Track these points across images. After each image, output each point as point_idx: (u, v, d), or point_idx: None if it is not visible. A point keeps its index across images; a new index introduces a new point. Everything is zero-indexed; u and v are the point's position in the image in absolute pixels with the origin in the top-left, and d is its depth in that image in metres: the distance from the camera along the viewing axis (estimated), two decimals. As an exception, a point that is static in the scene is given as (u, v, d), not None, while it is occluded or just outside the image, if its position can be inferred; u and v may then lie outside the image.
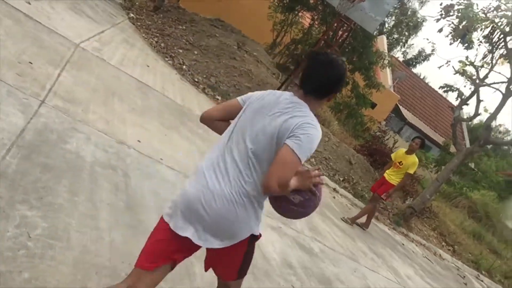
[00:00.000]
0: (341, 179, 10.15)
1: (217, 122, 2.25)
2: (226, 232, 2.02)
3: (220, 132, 2.21)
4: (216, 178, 2.01)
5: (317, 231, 6.35)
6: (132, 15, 11.47)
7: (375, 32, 19.16)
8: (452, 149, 15.14)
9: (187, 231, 2.01)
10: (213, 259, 2.20)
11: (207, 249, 2.15)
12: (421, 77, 37.40)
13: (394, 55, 28.86)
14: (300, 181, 2.00)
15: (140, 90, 6.54)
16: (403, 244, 9.41)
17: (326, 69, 2.06)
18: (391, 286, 6.30)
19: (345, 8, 9.33)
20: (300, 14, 16.45)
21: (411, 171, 7.70)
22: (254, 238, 2.12)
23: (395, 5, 15.86)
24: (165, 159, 4.92)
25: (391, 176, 7.83)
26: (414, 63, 41.10)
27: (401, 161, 7.72)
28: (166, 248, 2.05)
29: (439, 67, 12.38)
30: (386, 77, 24.61)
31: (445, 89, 12.64)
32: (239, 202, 1.99)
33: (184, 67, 9.90)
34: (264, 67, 12.23)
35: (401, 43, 37.67)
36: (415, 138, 7.99)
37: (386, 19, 18.33)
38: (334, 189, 9.38)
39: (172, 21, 12.16)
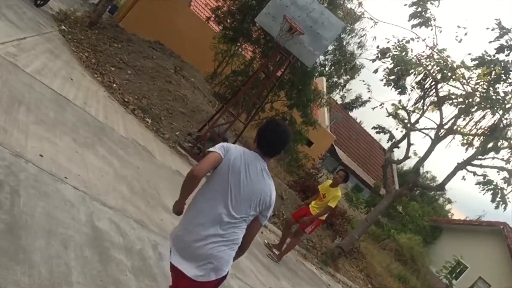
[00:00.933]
0: (271, 214, 9.83)
1: None
2: (218, 271, 2.64)
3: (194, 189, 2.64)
4: (214, 226, 2.56)
5: (239, 268, 5.92)
6: (64, 27, 10.80)
7: (316, 74, 19.68)
8: (382, 191, 15.49)
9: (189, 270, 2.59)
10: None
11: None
12: (358, 121, 38.86)
13: (333, 97, 29.68)
14: None
15: (55, 103, 5.93)
16: (329, 285, 9.17)
17: (282, 139, 2.72)
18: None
19: (284, 40, 9.28)
20: (243, 46, 16.44)
21: (332, 205, 7.58)
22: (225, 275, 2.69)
23: (334, 44, 16.17)
24: (70, 178, 4.35)
25: (314, 208, 7.67)
26: (351, 107, 42.62)
27: (324, 194, 7.58)
28: None
29: (373, 108, 12.65)
30: (323, 117, 25.13)
31: (378, 130, 12.86)
32: (232, 248, 2.63)
33: (114, 85, 9.34)
34: (201, 94, 11.91)
35: (339, 87, 38.94)
36: (339, 171, 7.92)
37: (325, 59, 18.77)
38: (270, 230, 9.04)
39: (108, 38, 11.60)
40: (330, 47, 17.38)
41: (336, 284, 9.72)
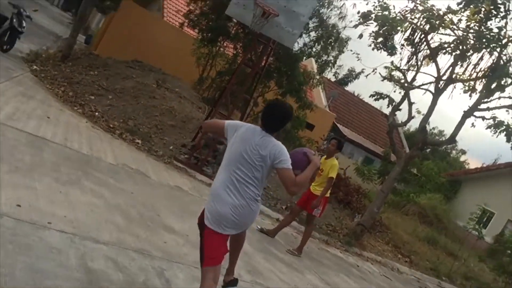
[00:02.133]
0: (284, 207, 9.55)
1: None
2: (246, 225, 3.42)
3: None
4: (230, 195, 3.20)
5: (258, 272, 5.64)
6: (35, 67, 10.53)
7: (304, 56, 19.26)
8: (393, 158, 15.11)
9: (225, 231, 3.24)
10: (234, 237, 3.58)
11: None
12: (355, 94, 38.37)
13: (325, 76, 29.15)
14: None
15: (31, 145, 5.67)
16: (358, 266, 8.87)
17: (277, 115, 3.41)
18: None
19: (259, 26, 8.93)
20: (223, 45, 16.08)
21: (333, 175, 7.15)
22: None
23: (314, 21, 15.77)
24: (55, 222, 4.08)
25: (316, 187, 7.31)
26: (346, 82, 42.10)
27: (322, 168, 7.21)
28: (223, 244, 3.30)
29: (366, 76, 12.32)
30: (319, 97, 24.78)
31: (376, 97, 12.44)
32: (250, 205, 3.23)
33: (96, 113, 9.07)
34: (188, 102, 11.62)
35: (330, 64, 38.55)
36: (331, 140, 7.54)
37: (310, 40, 18.28)
38: (278, 219, 8.74)
39: (83, 68, 11.34)
40: (311, 25, 16.95)
41: (364, 263, 9.42)
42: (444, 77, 10.98)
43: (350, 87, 43.38)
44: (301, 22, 9.52)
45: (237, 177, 3.22)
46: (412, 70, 11.81)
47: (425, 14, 10.63)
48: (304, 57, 20.06)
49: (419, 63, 11.64)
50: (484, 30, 10.03)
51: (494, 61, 10.23)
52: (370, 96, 12.57)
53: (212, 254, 3.24)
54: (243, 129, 3.38)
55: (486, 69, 10.42)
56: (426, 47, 11.21)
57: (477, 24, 10.21)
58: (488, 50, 10.06)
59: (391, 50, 11.42)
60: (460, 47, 10.51)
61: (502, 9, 9.87)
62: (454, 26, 10.62)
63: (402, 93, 11.82)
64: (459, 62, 10.77)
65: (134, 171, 7.00)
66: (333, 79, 35.91)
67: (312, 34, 16.31)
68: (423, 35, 11.03)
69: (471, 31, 10.38)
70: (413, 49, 11.47)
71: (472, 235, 13.75)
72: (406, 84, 11.69)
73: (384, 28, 10.88)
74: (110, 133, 8.60)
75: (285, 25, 9.24)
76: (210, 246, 3.25)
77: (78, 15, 12.79)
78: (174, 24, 17.64)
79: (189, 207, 6.69)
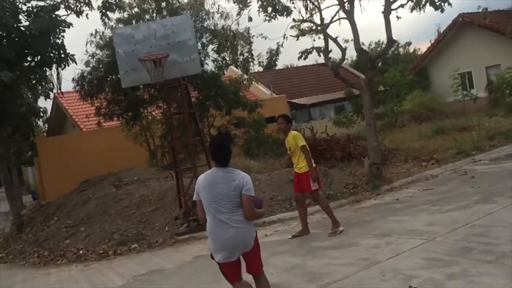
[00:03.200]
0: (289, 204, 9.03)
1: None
2: (248, 246, 3.77)
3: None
4: (223, 230, 3.65)
5: (317, 274, 5.12)
6: (1, 255, 9.85)
7: (222, 72, 18.99)
8: (356, 92, 14.82)
9: (233, 258, 3.74)
10: (247, 261, 3.85)
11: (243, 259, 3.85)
12: (288, 66, 38.52)
13: (253, 71, 28.82)
14: None
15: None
16: (397, 199, 8.43)
17: (219, 149, 3.77)
18: (422, 247, 5.24)
19: (160, 75, 8.59)
20: (147, 112, 15.61)
21: (301, 143, 6.74)
22: (256, 235, 3.84)
23: (205, 36, 15.54)
24: None
25: (298, 166, 6.88)
26: (274, 63, 42.32)
27: (289, 147, 6.92)
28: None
29: (281, 45, 12.06)
30: (261, 91, 24.63)
31: (303, 56, 12.11)
32: (242, 227, 3.69)
33: (81, 252, 8.49)
34: (153, 180, 11.10)
35: (249, 59, 38.23)
36: (277, 119, 7.12)
37: (217, 56, 17.96)
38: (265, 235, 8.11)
39: (41, 223, 10.69)
40: (205, 40, 16.64)
41: (401, 192, 8.99)
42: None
43: (280, 64, 43.67)
44: (192, 46, 9.24)
45: (221, 215, 3.66)
46: (316, 12, 11.57)
47: None
48: (224, 69, 19.85)
49: (317, 2, 11.41)
50: None
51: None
52: (298, 59, 12.32)
53: (233, 277, 3.86)
54: (202, 180, 3.78)
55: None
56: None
57: None
58: None
59: (286, 11, 11.14)
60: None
61: None
62: None
63: (322, 37, 11.56)
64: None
65: (148, 274, 6.45)
66: (261, 69, 35.83)
67: (211, 47, 16.03)
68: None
69: None
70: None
71: (467, 101, 13.58)
72: (319, 28, 11.43)
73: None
74: (104, 258, 8.04)
75: (180, 57, 8.96)
76: (230, 273, 3.84)
77: (3, 182, 12.19)
78: (93, 128, 17.13)
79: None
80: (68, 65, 11.00)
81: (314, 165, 6.88)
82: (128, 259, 7.71)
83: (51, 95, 15.61)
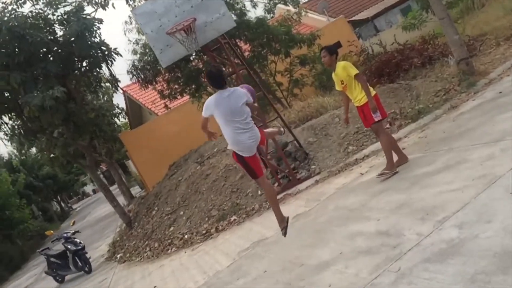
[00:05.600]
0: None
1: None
2: (259, 139, 4.73)
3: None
4: (243, 134, 4.56)
5: (431, 207, 4.45)
6: (119, 255, 10.42)
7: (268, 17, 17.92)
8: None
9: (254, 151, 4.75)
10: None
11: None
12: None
13: (301, 4, 27.13)
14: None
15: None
16: (500, 92, 7.23)
17: (218, 76, 4.66)
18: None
19: (196, 43, 8.08)
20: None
21: (354, 72, 5.91)
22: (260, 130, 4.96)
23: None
24: None
25: (356, 98, 6.09)
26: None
27: (341, 81, 6.09)
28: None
29: None
30: (315, 20, 23.23)
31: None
32: (253, 130, 4.66)
33: (185, 236, 8.59)
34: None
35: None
36: (320, 52, 6.25)
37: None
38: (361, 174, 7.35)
39: (145, 216, 11.09)
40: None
41: (501, 84, 7.72)
42: None
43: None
44: (220, 3, 8.50)
45: (236, 124, 4.56)
46: None
47: None
48: (269, 16, 18.74)
49: None
50: None
51: None
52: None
53: (259, 167, 4.91)
54: (213, 101, 4.60)
55: None
56: None
57: None
58: None
59: None
60: None
61: None
62: None
63: None
64: None
65: (251, 248, 6.25)
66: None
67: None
68: None
69: None
70: None
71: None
72: None
73: None
74: (209, 238, 8.05)
75: (210, 16, 8.31)
76: (255, 164, 4.82)
77: (99, 187, 12.78)
78: (164, 112, 17.32)
79: (347, 222, 5.72)
80: (114, 60, 10.92)
81: (374, 92, 6.14)
82: (230, 234, 7.62)
83: (119, 90, 15.93)
